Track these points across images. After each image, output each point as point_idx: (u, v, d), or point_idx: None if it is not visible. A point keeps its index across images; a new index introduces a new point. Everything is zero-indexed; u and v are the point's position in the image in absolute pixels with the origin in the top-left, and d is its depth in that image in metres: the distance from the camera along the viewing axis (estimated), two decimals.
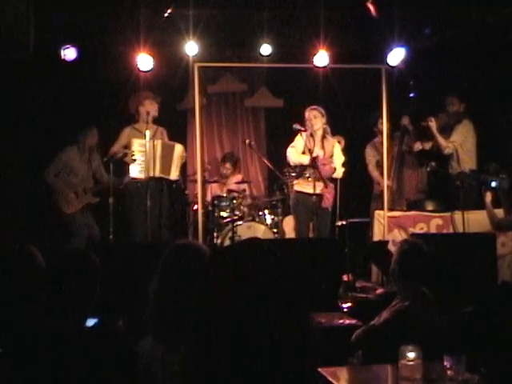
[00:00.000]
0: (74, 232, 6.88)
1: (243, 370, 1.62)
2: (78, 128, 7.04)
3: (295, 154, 6.68)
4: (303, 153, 6.63)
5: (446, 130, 7.32)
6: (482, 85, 7.54)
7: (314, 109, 6.73)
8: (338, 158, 6.80)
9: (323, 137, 6.75)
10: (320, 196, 6.58)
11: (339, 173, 6.79)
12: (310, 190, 6.60)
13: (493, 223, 6.40)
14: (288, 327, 1.66)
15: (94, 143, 7.06)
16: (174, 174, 6.86)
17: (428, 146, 7.45)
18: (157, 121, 6.99)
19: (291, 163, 6.78)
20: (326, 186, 6.58)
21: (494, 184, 6.37)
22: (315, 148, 6.64)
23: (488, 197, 6.42)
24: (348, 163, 6.88)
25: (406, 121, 7.54)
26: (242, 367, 1.62)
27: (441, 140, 7.21)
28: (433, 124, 7.19)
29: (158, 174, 6.67)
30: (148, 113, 6.77)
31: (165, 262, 2.73)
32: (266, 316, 1.64)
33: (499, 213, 6.41)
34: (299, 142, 6.71)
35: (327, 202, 6.63)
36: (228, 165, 8.18)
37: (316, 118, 6.68)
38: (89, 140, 7.00)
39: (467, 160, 7.26)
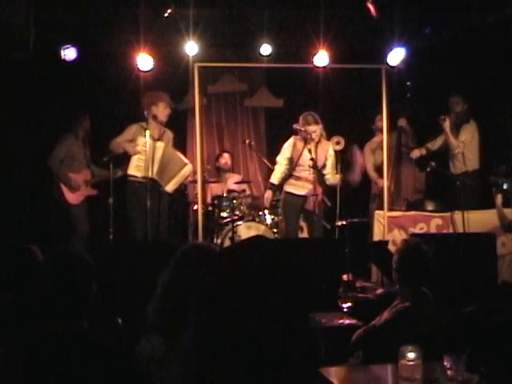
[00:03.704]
0: (75, 226, 6.90)
1: (244, 368, 1.62)
2: (72, 116, 7.06)
3: (277, 172, 6.77)
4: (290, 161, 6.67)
5: (453, 130, 7.30)
6: (482, 85, 7.53)
7: (308, 114, 6.68)
8: (331, 166, 6.78)
9: (318, 142, 6.72)
10: (306, 198, 6.65)
11: (335, 178, 6.74)
12: (301, 192, 6.65)
13: (503, 225, 6.39)
14: (288, 327, 1.66)
15: (86, 132, 7.08)
16: (171, 188, 6.86)
17: (423, 151, 7.44)
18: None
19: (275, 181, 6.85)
20: (314, 189, 6.59)
21: (505, 186, 6.37)
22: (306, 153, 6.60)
23: (499, 199, 6.40)
24: (348, 163, 6.87)
25: (402, 122, 7.52)
26: (242, 366, 1.62)
27: (452, 139, 7.19)
28: (446, 123, 7.17)
29: (154, 176, 6.67)
30: (149, 113, 6.77)
31: (180, 258, 2.75)
32: (266, 315, 1.64)
33: (508, 213, 6.41)
34: (286, 152, 6.73)
35: (310, 204, 6.65)
36: (227, 155, 8.18)
37: (310, 125, 6.62)
38: (82, 127, 7.02)
39: (472, 160, 7.25)
